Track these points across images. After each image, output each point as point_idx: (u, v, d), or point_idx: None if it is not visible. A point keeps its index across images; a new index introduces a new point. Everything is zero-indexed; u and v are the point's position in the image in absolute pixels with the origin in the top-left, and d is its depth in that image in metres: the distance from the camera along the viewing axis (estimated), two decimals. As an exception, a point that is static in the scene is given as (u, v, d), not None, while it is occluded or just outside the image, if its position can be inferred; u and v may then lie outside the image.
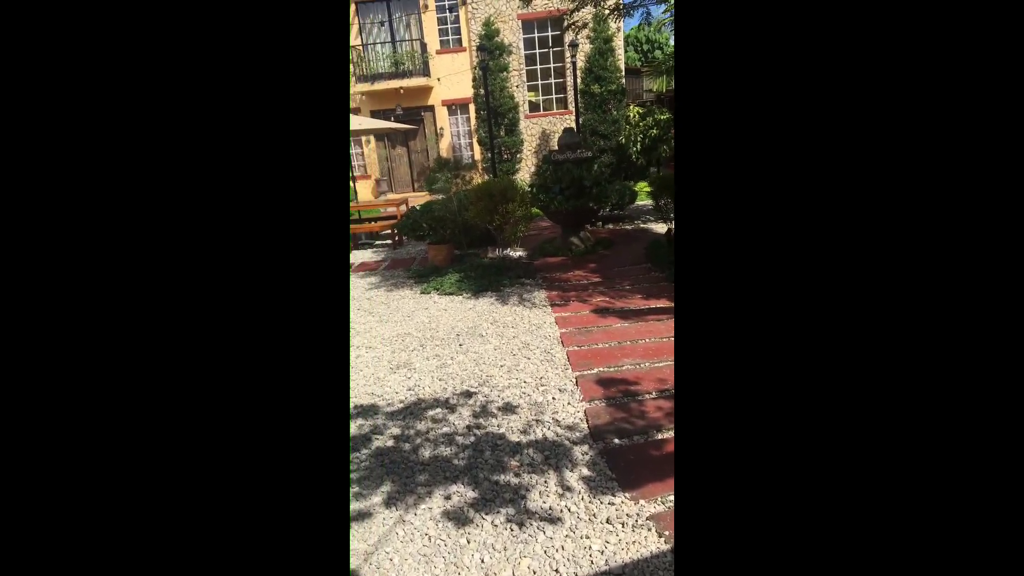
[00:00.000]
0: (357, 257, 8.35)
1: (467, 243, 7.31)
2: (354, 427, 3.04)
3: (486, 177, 11.39)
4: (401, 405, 3.28)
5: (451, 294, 5.66)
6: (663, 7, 8.02)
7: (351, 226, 9.16)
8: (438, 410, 3.16)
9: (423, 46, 13.90)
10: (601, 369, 3.51)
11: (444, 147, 14.58)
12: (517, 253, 7.09)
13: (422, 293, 5.82)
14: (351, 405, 3.32)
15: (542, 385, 3.36)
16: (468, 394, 3.33)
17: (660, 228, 8.12)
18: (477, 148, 14.27)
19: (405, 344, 4.32)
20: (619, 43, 13.17)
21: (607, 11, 7.35)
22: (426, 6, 13.74)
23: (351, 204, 9.93)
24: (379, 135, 14.29)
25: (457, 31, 13.92)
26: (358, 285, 6.51)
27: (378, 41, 14.06)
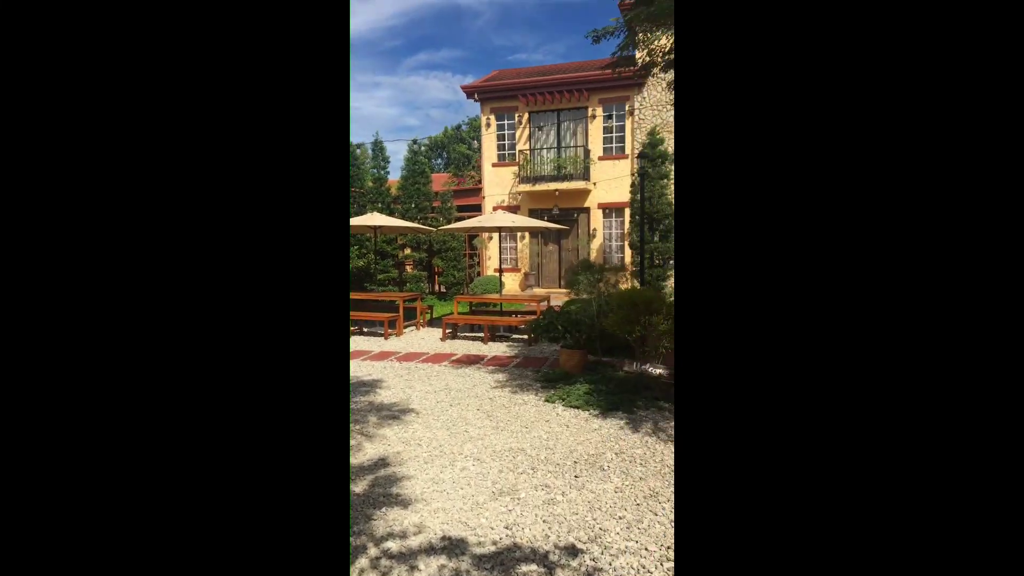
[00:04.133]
0: (492, 349, 8.23)
1: (603, 350, 6.80)
2: (434, 566, 2.59)
3: (634, 283, 10.93)
4: (493, 548, 2.77)
5: (577, 407, 5.13)
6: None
7: (492, 318, 9.19)
8: (533, 566, 2.60)
9: (586, 152, 14.35)
10: (750, 552, 2.69)
11: (596, 247, 14.54)
12: (657, 370, 6.39)
13: (546, 401, 5.37)
14: (439, 535, 2.90)
15: (668, 560, 2.65)
16: (573, 551, 2.73)
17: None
18: (628, 252, 13.99)
19: (516, 463, 3.85)
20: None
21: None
22: (594, 116, 14.31)
23: (496, 296, 10.04)
24: (534, 232, 14.72)
25: (621, 139, 14.21)
26: (486, 380, 6.27)
27: (544, 147, 14.84)
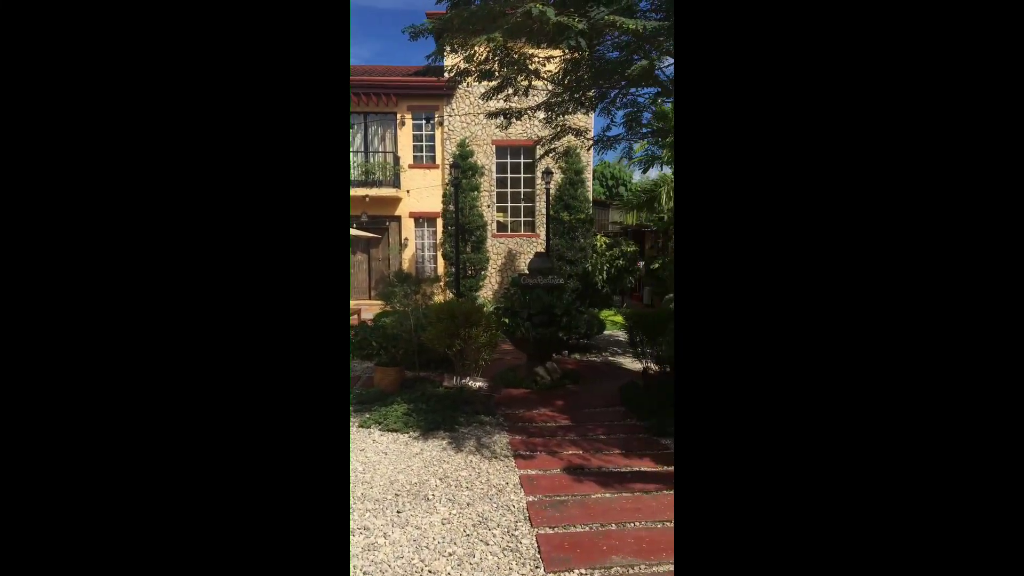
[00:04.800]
0: (293, 371, 7.35)
1: (420, 365, 6.50)
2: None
3: (448, 294, 10.84)
4: (302, 622, 2.29)
5: (395, 430, 4.75)
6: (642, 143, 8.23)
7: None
8: (354, 636, 2.20)
9: (396, 159, 13.95)
10: (582, 572, 2.65)
11: (408, 257, 14.17)
12: (477, 383, 6.31)
13: (361, 427, 4.89)
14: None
15: (505, 594, 2.46)
16: (401, 606, 2.38)
17: (633, 364, 7.54)
18: (441, 262, 13.92)
19: (327, 505, 3.35)
20: (589, 175, 13.56)
21: (589, 141, 7.35)
22: (403, 122, 13.99)
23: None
24: (340, 240, 13.79)
25: (432, 148, 14.11)
26: (286, 409, 5.51)
27: (351, 150, 14.06)
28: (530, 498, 3.43)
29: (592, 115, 10.00)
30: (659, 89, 5.37)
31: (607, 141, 5.85)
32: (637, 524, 3.07)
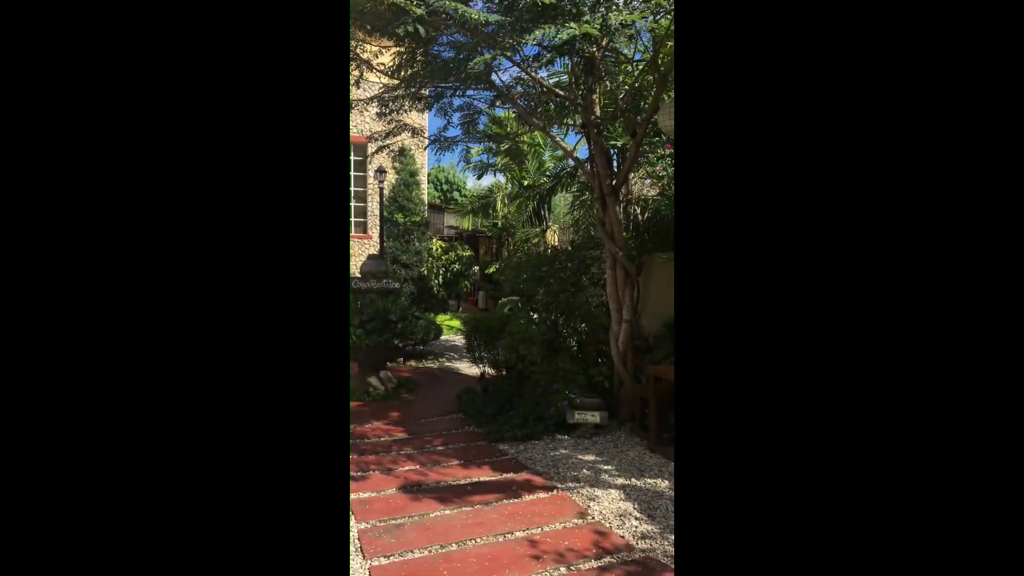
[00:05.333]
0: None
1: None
2: None
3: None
4: None
5: None
6: (482, 145, 8.26)
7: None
8: None
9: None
10: (422, 603, 2.41)
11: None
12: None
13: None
14: None
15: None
16: None
17: (470, 370, 7.47)
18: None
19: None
20: (424, 177, 13.33)
21: (425, 141, 7.13)
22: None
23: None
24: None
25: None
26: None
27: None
28: (362, 525, 3.09)
29: (427, 114, 9.80)
30: (495, 94, 5.35)
31: (444, 142, 5.69)
32: (479, 541, 2.92)
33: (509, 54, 3.90)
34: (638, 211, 7.24)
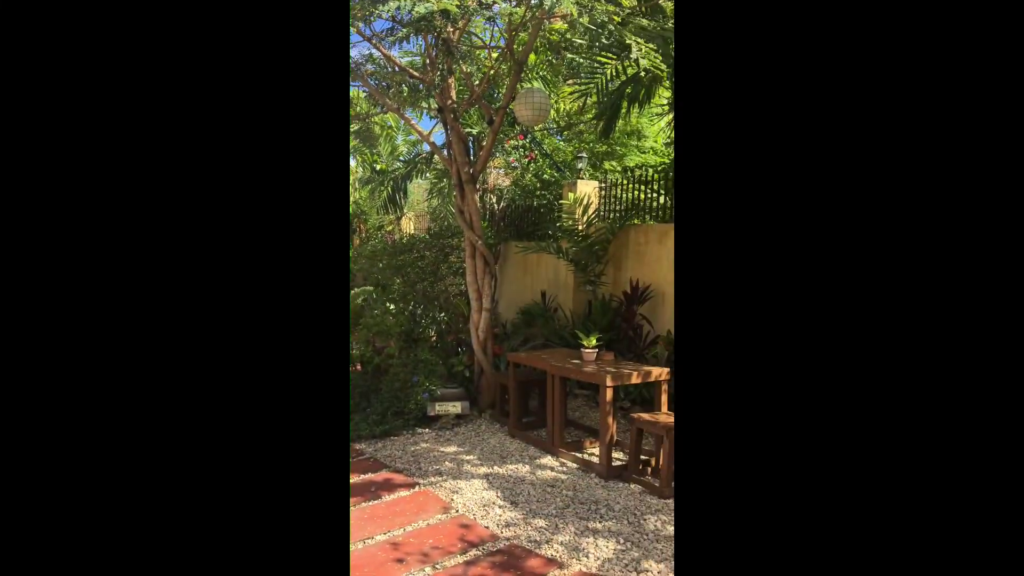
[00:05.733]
0: None
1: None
2: None
3: None
4: None
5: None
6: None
7: None
8: None
9: None
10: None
11: None
12: None
13: None
14: None
15: None
16: None
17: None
18: None
19: None
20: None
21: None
22: None
23: None
24: None
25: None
26: None
27: None
28: (195, 552, 2.70)
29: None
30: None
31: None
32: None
33: (359, 26, 3.63)
34: (494, 200, 7.31)
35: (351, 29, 3.72)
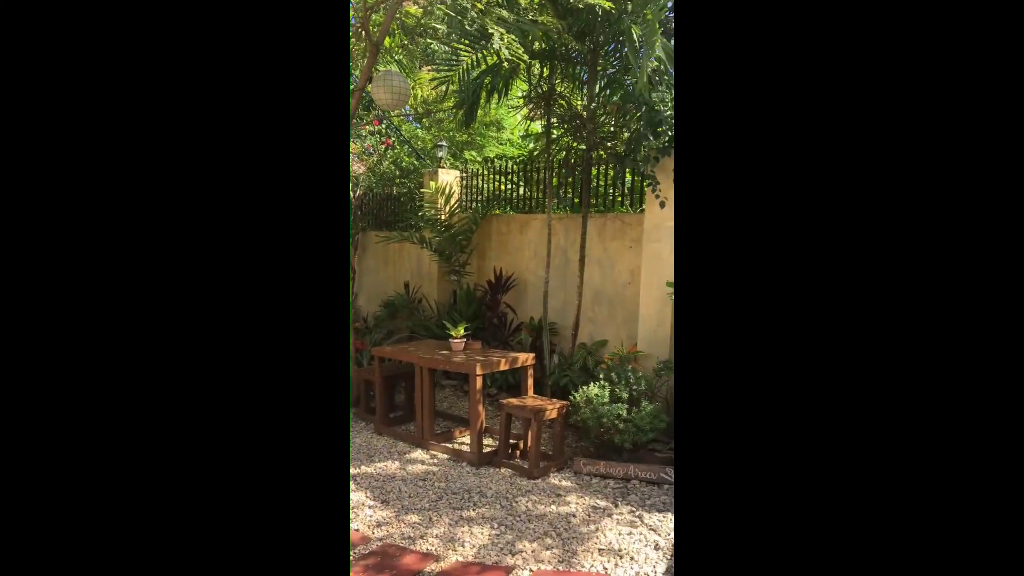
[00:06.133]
0: None
1: None
2: None
3: None
4: None
5: None
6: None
7: None
8: None
9: None
10: None
11: None
12: None
13: None
14: None
15: None
16: None
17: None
18: None
19: None
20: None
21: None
22: None
23: None
24: None
25: None
26: None
27: None
28: None
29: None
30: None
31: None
32: None
33: None
34: (349, 188, 6.97)
35: None
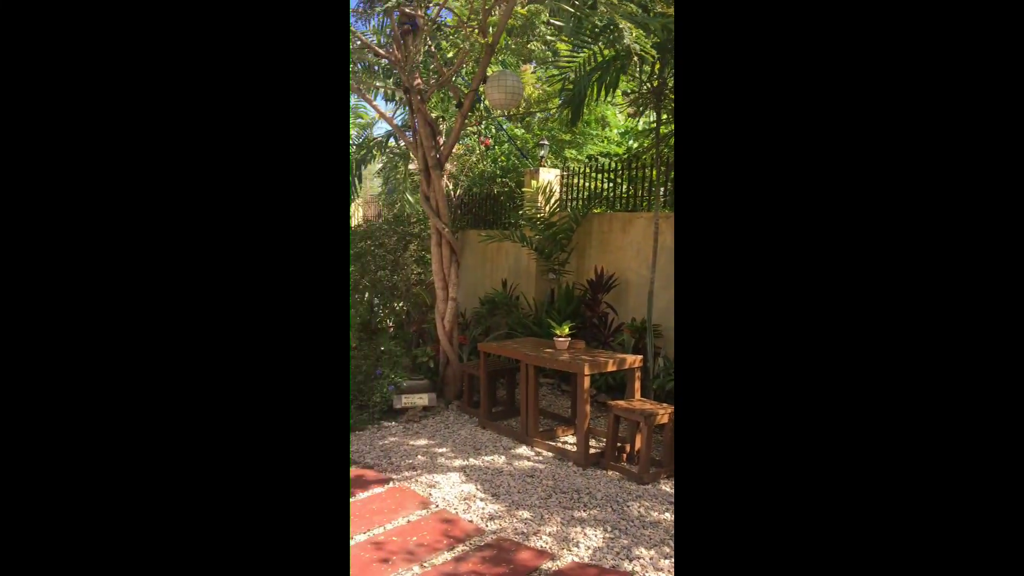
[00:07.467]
0: None
1: None
2: None
3: None
4: None
5: None
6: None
7: None
8: None
9: None
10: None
11: None
12: None
13: None
14: None
15: None
16: None
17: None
18: None
19: None
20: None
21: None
22: None
23: None
24: None
25: None
26: None
27: None
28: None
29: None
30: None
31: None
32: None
33: None
34: (450, 187, 7.16)
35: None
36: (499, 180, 6.87)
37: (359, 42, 4.27)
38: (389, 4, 3.02)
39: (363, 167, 6.27)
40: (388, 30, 4.49)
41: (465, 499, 3.07)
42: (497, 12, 3.93)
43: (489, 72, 4.16)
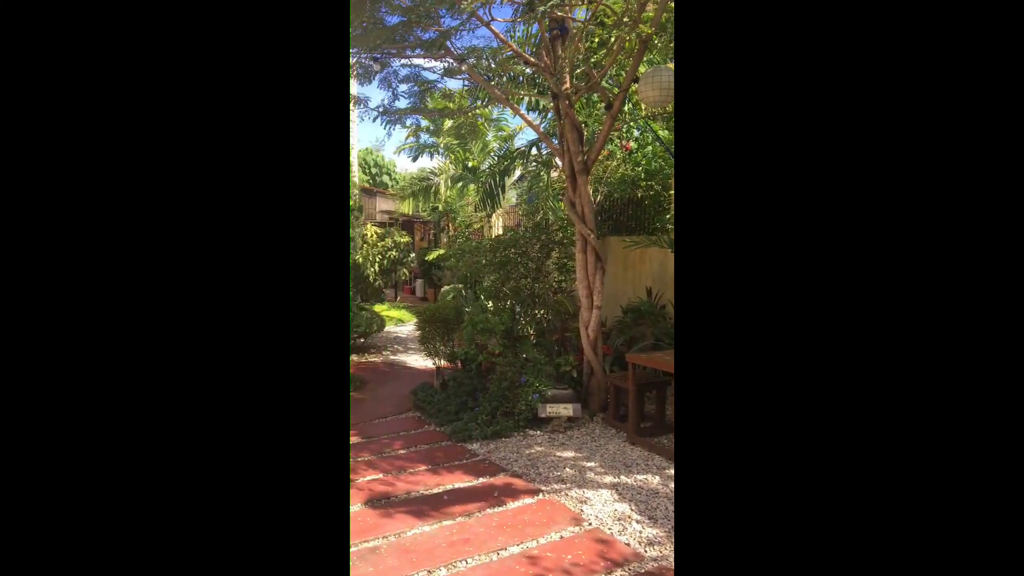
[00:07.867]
0: None
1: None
2: None
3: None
4: None
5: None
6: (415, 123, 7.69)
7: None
8: None
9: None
10: (422, 650, 2.02)
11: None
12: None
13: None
14: None
15: None
16: None
17: (419, 363, 6.99)
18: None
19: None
20: (355, 157, 12.54)
21: (365, 112, 6.52)
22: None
23: None
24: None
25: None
26: None
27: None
28: (330, 554, 2.63)
29: (354, 84, 9.10)
30: (447, 64, 4.88)
31: (394, 114, 5.14)
32: (470, 562, 2.55)
33: (479, 14, 3.47)
34: (590, 192, 7.04)
35: (461, 14, 3.58)
36: (643, 184, 6.60)
37: (510, 52, 4.33)
38: (544, 7, 2.99)
39: (505, 178, 6.38)
40: (534, 38, 4.50)
41: (619, 519, 2.90)
42: (651, 7, 3.75)
43: (640, 71, 3.97)
